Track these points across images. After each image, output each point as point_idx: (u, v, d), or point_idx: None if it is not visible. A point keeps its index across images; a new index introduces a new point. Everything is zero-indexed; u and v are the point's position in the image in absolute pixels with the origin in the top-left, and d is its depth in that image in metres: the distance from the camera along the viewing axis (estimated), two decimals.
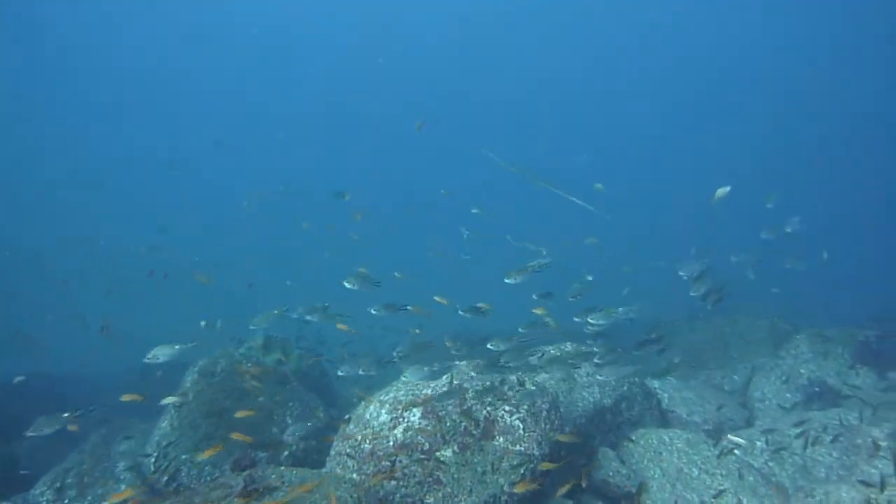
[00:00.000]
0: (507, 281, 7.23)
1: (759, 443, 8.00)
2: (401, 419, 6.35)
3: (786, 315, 13.28)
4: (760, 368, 10.98)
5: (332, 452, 6.48)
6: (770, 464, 7.70)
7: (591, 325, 7.20)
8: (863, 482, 6.34)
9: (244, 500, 4.89)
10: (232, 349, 9.15)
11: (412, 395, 6.56)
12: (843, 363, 9.83)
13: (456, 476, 6.06)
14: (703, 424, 8.90)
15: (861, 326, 12.97)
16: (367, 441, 6.25)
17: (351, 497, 5.27)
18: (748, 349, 11.86)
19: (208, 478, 7.42)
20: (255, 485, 5.21)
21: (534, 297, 7.69)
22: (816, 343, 10.37)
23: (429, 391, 6.57)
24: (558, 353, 8.64)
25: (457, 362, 7.10)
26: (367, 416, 6.53)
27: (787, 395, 9.91)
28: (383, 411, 6.48)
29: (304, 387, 9.10)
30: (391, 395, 6.66)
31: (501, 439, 6.43)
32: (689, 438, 7.75)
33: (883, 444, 6.92)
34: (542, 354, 8.55)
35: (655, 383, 9.67)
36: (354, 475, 6.08)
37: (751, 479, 6.92)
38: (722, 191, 7.56)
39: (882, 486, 5.43)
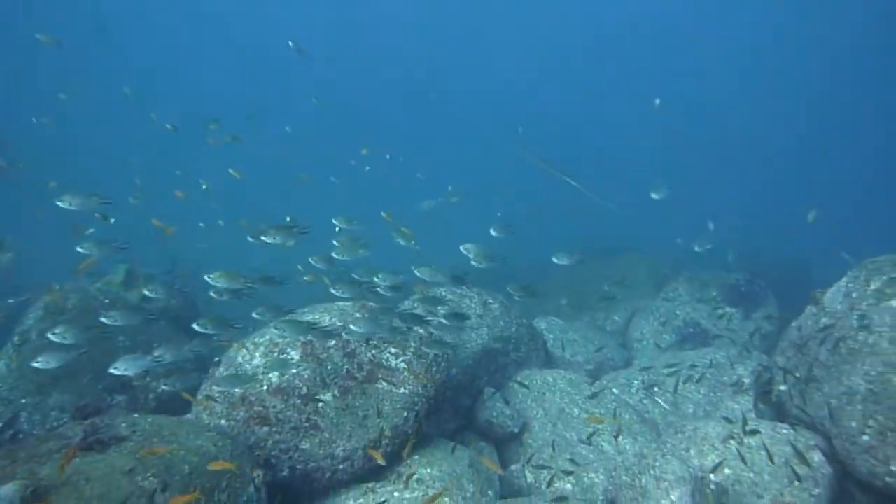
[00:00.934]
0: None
1: (636, 382, 8.26)
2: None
3: (667, 260, 13.88)
4: (641, 310, 11.40)
5: (199, 397, 5.90)
6: (644, 401, 7.99)
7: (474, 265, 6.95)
8: (726, 418, 6.67)
9: (81, 453, 4.24)
10: (87, 283, 8.14)
11: (291, 336, 6.05)
12: (716, 305, 10.36)
13: (335, 421, 5.72)
14: (586, 364, 9.10)
15: (730, 269, 13.84)
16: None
17: (215, 445, 4.76)
18: (631, 292, 12.28)
19: (55, 424, 6.62)
20: (98, 435, 4.54)
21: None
22: (693, 286, 10.86)
23: (309, 334, 6.09)
24: (449, 296, 8.40)
25: (341, 304, 6.64)
26: (240, 358, 5.98)
27: (664, 335, 10.36)
28: (257, 354, 5.95)
29: (174, 327, 8.32)
30: (267, 336, 6.12)
31: (385, 383, 6.13)
32: (572, 379, 7.86)
33: (746, 381, 7.31)
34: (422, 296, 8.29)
35: (542, 324, 9.75)
36: (223, 421, 5.57)
37: (626, 416, 7.12)
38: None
39: (744, 422, 5.67)
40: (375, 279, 6.38)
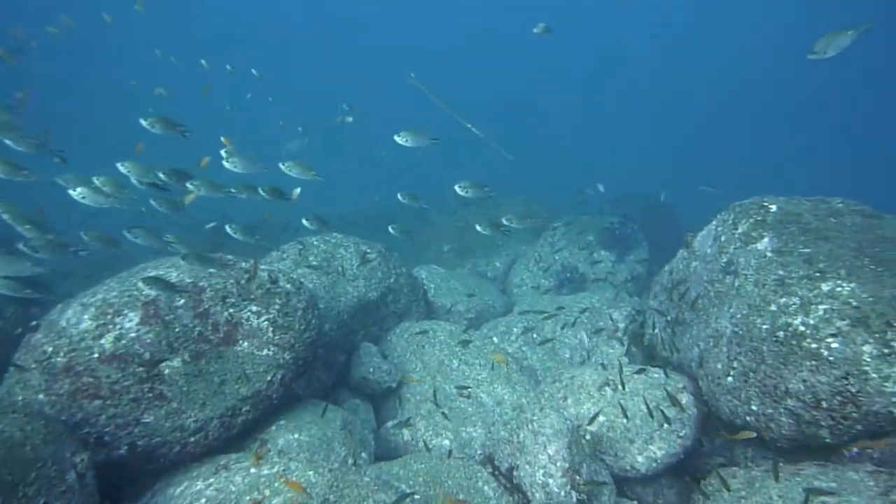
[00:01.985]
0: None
1: (515, 329, 8.17)
2: (111, 325, 5.01)
3: (548, 204, 13.95)
4: (521, 256, 11.38)
5: (11, 369, 4.97)
6: (524, 348, 7.93)
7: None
8: (602, 365, 6.73)
9: None
10: None
11: (129, 295, 5.21)
12: (592, 249, 10.50)
13: (185, 389, 5.04)
14: (467, 313, 8.90)
15: (604, 212, 14.21)
16: (62, 353, 4.86)
17: (21, 429, 3.95)
18: (512, 237, 12.22)
19: None
20: None
21: None
22: (571, 230, 10.93)
23: (152, 291, 5.27)
24: (322, 245, 7.77)
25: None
26: (63, 322, 5.06)
27: (543, 280, 10.39)
28: (86, 316, 5.06)
29: None
30: (99, 296, 5.22)
31: (246, 344, 5.50)
32: (452, 330, 7.61)
33: (621, 325, 7.40)
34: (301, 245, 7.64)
35: (423, 273, 9.40)
36: (41, 395, 4.72)
37: (504, 367, 6.99)
38: None
39: (620, 369, 5.67)
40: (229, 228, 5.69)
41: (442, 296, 9.04)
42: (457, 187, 6.73)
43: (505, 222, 6.86)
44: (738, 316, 5.11)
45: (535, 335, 8.03)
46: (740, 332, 5.01)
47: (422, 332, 7.49)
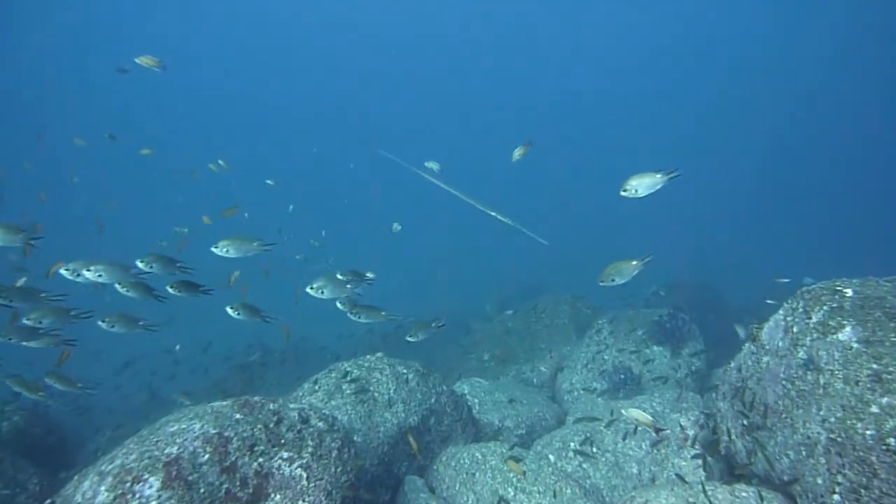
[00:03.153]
0: None
1: (572, 444, 7.45)
2: (129, 495, 4.57)
3: (587, 297, 13.40)
4: (566, 358, 10.75)
5: None
6: (584, 465, 7.18)
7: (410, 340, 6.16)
8: (678, 476, 5.97)
9: None
10: None
11: (149, 456, 4.80)
12: (644, 346, 9.84)
13: None
14: (516, 429, 8.23)
15: (651, 304, 13.56)
16: None
17: None
18: (553, 338, 11.63)
19: None
20: None
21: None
22: (617, 327, 10.33)
23: (174, 449, 4.86)
24: (355, 370, 7.34)
25: (216, 405, 5.45)
26: (79, 497, 4.64)
27: (594, 383, 9.69)
28: (103, 487, 4.63)
29: (16, 452, 6.76)
30: (117, 461, 4.82)
31: (279, 497, 5.00)
32: (503, 452, 6.93)
33: (690, 433, 6.66)
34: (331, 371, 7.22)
35: (465, 388, 8.84)
36: None
37: (568, 491, 6.24)
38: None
39: (703, 489, 4.95)
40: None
41: (487, 412, 8.42)
42: (308, 289, 6.26)
43: None
44: (832, 420, 4.44)
45: (594, 448, 7.29)
46: (839, 439, 4.33)
47: (471, 458, 6.84)
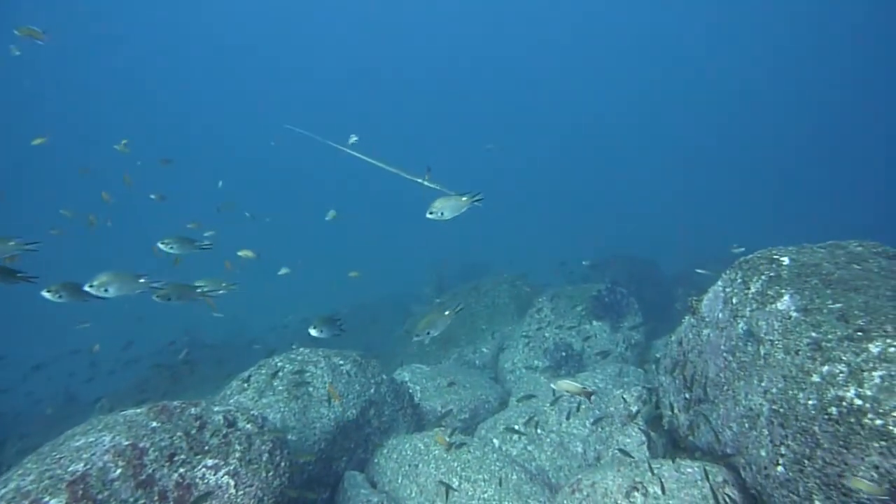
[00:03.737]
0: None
1: (517, 426, 7.30)
2: None
3: (527, 276, 13.31)
4: (508, 338, 10.61)
5: None
6: (529, 448, 7.05)
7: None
8: (622, 450, 5.90)
9: None
10: None
11: (50, 476, 4.28)
12: (584, 322, 9.80)
13: None
14: (460, 414, 8.02)
15: (589, 279, 13.61)
16: None
17: None
18: (495, 318, 11.48)
19: None
20: None
21: None
22: (557, 304, 10.25)
23: (80, 466, 4.35)
24: (287, 364, 6.92)
25: (129, 413, 4.93)
26: None
27: (536, 361, 9.60)
28: None
29: None
30: (12, 485, 4.26)
31: None
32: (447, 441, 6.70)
33: (634, 408, 6.60)
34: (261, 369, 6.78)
35: (406, 375, 8.56)
36: None
37: (514, 477, 6.07)
38: None
39: (650, 467, 4.85)
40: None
41: (430, 398, 8.17)
42: (160, 244, 6.02)
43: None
44: (774, 391, 4.39)
45: (539, 430, 7.16)
46: (781, 409, 4.27)
47: (413, 449, 6.57)
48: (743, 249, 13.80)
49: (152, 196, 9.98)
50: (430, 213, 5.24)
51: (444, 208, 5.22)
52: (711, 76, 53.41)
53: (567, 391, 5.82)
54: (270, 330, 13.28)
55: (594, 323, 9.74)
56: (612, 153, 50.50)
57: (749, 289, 5.00)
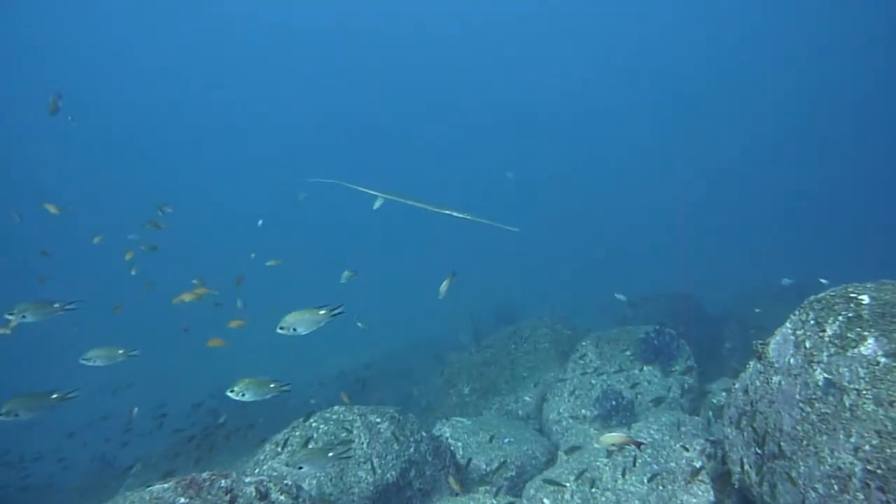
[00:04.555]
0: None
1: (568, 483, 6.77)
2: None
3: (567, 317, 12.81)
4: (551, 385, 10.08)
5: None
6: None
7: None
8: None
9: None
10: None
11: None
12: (632, 366, 9.25)
13: None
14: (506, 472, 7.51)
15: (631, 320, 13.05)
16: None
17: None
18: (536, 365, 10.97)
19: None
20: None
21: None
22: (603, 348, 9.73)
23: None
24: (322, 426, 6.57)
25: (154, 489, 4.63)
26: None
27: (584, 411, 9.04)
28: None
29: None
30: None
31: None
32: None
33: (697, 464, 6.04)
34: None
35: (447, 431, 8.11)
36: None
37: None
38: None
39: None
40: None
41: (473, 453, 7.70)
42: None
43: None
44: (867, 448, 3.87)
45: (594, 490, 6.61)
46: (878, 471, 3.75)
47: None
48: (792, 282, 13.13)
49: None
50: (281, 328, 4.88)
51: (298, 323, 4.87)
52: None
53: (613, 444, 5.37)
54: (307, 385, 12.99)
55: (644, 368, 9.19)
56: (627, 174, 49.79)
57: (824, 331, 4.51)
